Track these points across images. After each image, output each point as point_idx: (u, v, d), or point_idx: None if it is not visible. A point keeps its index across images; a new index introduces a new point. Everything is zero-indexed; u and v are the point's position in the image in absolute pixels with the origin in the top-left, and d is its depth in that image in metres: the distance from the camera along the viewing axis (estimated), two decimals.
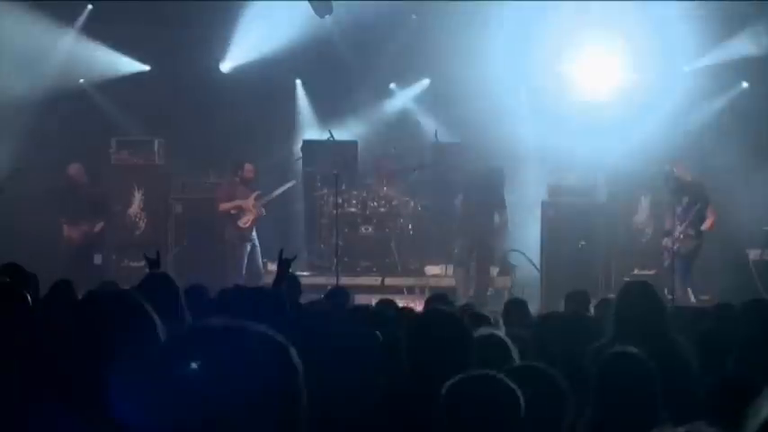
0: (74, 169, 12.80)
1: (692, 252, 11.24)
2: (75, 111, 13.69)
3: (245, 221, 12.74)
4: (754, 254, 12.35)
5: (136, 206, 13.48)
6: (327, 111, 14.44)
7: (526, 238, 13.28)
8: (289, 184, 13.46)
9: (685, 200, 11.29)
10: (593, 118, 13.33)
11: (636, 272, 12.58)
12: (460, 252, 12.76)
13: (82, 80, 14.10)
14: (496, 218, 12.51)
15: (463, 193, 12.80)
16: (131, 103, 13.90)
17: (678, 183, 11.30)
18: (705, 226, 11.19)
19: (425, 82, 14.76)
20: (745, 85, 13.55)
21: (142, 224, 13.54)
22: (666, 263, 11.29)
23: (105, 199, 13.06)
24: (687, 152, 12.47)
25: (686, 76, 13.49)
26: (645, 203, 13.12)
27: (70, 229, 12.70)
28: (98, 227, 12.80)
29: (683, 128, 13.13)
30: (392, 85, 14.90)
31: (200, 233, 13.25)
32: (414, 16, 14.11)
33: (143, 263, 12.89)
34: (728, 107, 13.45)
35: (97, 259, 12.84)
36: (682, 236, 11.13)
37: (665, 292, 11.14)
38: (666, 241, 11.30)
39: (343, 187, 13.28)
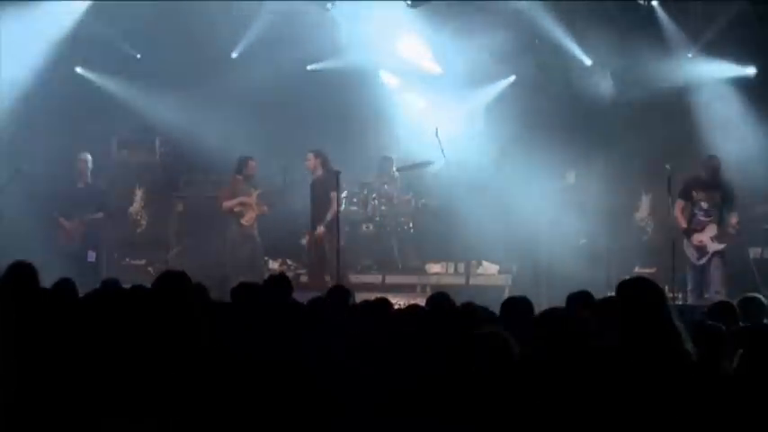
0: (83, 159, 12.65)
1: (728, 250, 11.19)
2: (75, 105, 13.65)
3: (247, 219, 12.75)
4: (754, 252, 12.35)
5: (137, 204, 13.48)
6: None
7: (526, 237, 13.27)
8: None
9: (718, 196, 11.17)
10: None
11: (637, 270, 12.59)
12: None
13: (78, 69, 14.05)
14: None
15: None
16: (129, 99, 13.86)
17: (715, 179, 11.16)
18: (733, 222, 11.11)
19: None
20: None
21: (144, 222, 13.55)
22: (703, 260, 11.16)
23: (104, 196, 12.82)
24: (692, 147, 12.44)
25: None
26: (646, 201, 13.12)
27: (67, 224, 12.51)
28: (97, 215, 12.58)
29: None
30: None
31: (202, 231, 13.26)
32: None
33: (144, 261, 13.13)
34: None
35: (90, 257, 12.63)
36: (721, 235, 11.04)
37: (666, 290, 11.15)
38: (701, 237, 11.14)
39: (344, 185, 13.29)
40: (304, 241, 13.12)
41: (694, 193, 11.24)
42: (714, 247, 11.16)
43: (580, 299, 6.21)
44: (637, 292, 4.67)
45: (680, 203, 11.37)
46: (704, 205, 11.21)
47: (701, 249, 11.20)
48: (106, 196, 12.83)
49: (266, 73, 13.65)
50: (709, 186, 11.17)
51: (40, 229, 12.38)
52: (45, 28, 13.14)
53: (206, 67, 13.90)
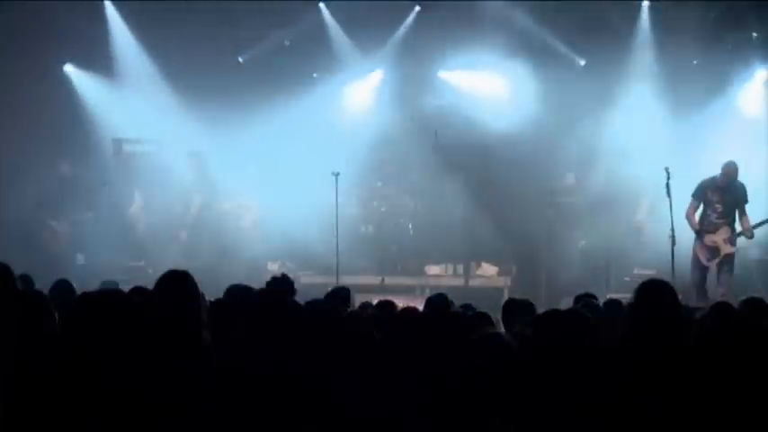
0: (65, 166, 12.78)
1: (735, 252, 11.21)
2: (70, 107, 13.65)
3: (247, 220, 12.74)
4: (754, 253, 12.34)
5: (136, 206, 13.46)
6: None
7: (527, 238, 13.26)
8: None
9: (732, 199, 11.15)
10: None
11: (636, 271, 12.57)
12: None
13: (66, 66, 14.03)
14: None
15: None
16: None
17: (730, 183, 11.11)
18: (746, 226, 11.11)
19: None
20: None
21: (142, 224, 13.52)
22: (714, 261, 11.14)
23: (95, 196, 12.93)
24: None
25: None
26: (644, 203, 13.09)
27: (58, 225, 12.54)
28: (86, 215, 12.64)
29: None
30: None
31: (201, 231, 13.23)
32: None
33: (144, 262, 13.11)
34: None
35: (80, 259, 12.62)
36: (735, 237, 11.02)
37: None
38: (715, 239, 11.10)
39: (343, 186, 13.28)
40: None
41: (709, 194, 11.23)
42: (727, 249, 11.16)
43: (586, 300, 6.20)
44: (656, 294, 4.74)
45: (693, 204, 11.35)
46: (718, 207, 11.20)
47: (714, 250, 11.18)
48: (97, 197, 12.89)
49: (271, 78, 13.69)
50: (725, 189, 11.16)
51: (29, 231, 12.41)
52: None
53: (211, 69, 13.92)
